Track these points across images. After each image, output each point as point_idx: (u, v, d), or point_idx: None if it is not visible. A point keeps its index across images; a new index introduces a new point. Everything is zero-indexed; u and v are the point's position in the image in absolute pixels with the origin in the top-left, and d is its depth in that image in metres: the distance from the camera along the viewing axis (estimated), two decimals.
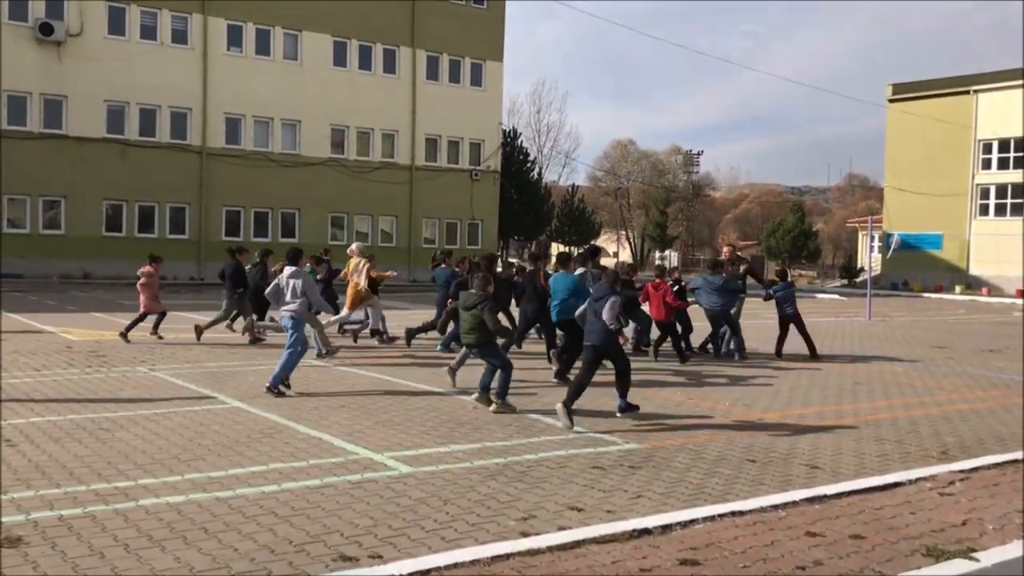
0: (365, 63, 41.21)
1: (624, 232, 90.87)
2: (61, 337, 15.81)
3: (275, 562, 5.06)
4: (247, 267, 16.51)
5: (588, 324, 9.76)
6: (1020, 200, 48.79)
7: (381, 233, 42.24)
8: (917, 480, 7.29)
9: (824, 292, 47.34)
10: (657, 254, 76.25)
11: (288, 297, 11.05)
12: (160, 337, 15.62)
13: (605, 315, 9.38)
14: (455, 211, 43.93)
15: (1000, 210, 49.83)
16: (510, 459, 7.63)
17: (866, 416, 10.28)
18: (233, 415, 9.21)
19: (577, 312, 10.47)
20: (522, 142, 59.25)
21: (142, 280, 15.84)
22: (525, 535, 5.60)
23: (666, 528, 5.80)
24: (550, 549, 5.31)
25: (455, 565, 5.00)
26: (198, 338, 15.38)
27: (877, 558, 5.38)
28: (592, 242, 68.62)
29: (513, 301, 15.33)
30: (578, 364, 10.90)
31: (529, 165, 57.76)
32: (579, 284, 12.38)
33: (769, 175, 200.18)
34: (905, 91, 54.21)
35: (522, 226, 54.89)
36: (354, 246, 16.11)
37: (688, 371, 13.67)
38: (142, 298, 15.79)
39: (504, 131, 50.88)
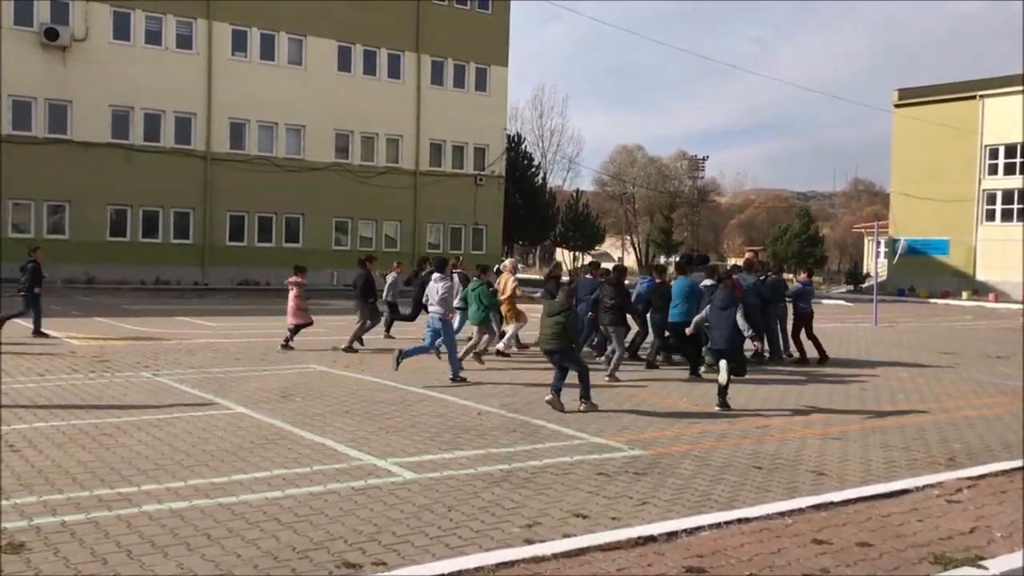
0: (370, 68, 41.22)
1: (629, 237, 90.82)
2: (65, 342, 15.80)
3: (278, 568, 5.03)
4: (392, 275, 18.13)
5: (713, 331, 11.21)
6: None
7: (385, 238, 42.23)
8: (924, 487, 7.24)
9: (830, 297, 47.25)
10: (662, 260, 76.18)
11: (434, 300, 12.94)
12: (291, 347, 15.61)
13: (741, 324, 10.84)
14: (459, 216, 43.90)
15: (1007, 215, 49.74)
16: (514, 465, 7.60)
17: (872, 422, 10.24)
18: (236, 420, 9.19)
19: (696, 319, 12.03)
20: (526, 147, 59.31)
21: (296, 292, 15.85)
22: (530, 542, 5.57)
23: (672, 535, 5.76)
24: (555, 556, 5.28)
25: (459, 572, 4.97)
26: (347, 349, 15.58)
27: (884, 566, 5.33)
28: (597, 247, 68.70)
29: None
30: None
31: (533, 170, 57.78)
32: (696, 288, 13.72)
33: (775, 180, 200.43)
34: (911, 96, 54.19)
35: (526, 231, 54.92)
36: (507, 262, 16.34)
37: (694, 377, 13.61)
38: (291, 308, 15.81)
39: (508, 136, 50.89)
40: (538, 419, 9.73)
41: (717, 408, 10.74)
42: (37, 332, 16.29)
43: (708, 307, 11.73)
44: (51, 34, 33.50)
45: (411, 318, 17.75)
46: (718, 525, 6.01)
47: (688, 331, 12.50)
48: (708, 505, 6.57)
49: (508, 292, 15.49)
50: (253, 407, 9.94)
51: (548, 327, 10.61)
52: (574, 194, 66.83)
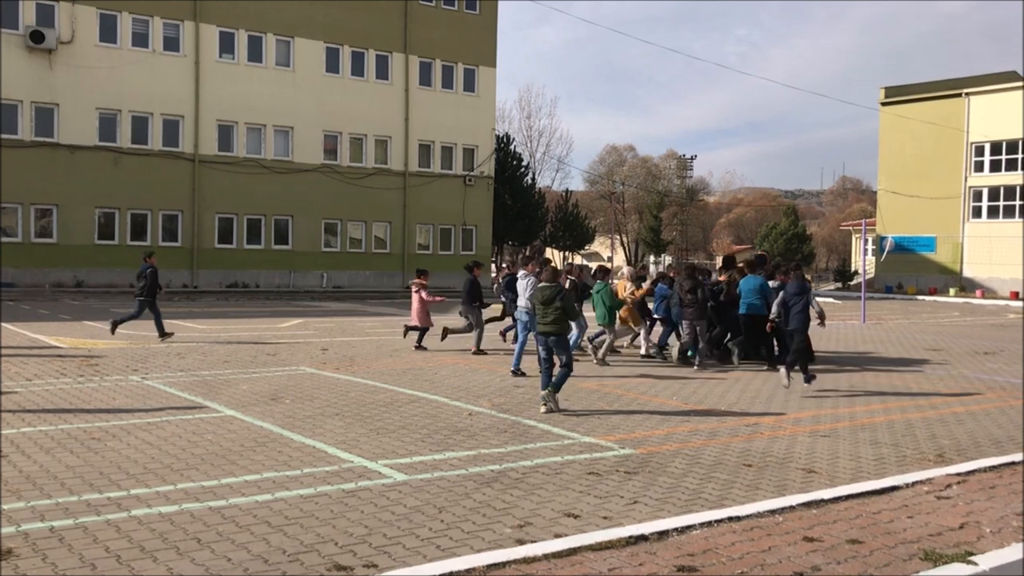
0: (358, 69, 41.19)
1: (618, 237, 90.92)
2: (53, 346, 15.73)
3: (268, 572, 5.00)
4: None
5: (788, 315, 12.33)
6: (1013, 202, 48.94)
7: (375, 239, 42.19)
8: (914, 484, 7.26)
9: (818, 295, 47.36)
10: (651, 259, 76.25)
11: (523, 295, 13.74)
12: (424, 348, 16.31)
13: (813, 308, 12.25)
14: (449, 217, 43.90)
15: (993, 212, 50.00)
16: (505, 466, 7.59)
17: (862, 419, 10.27)
18: (226, 424, 9.15)
19: (775, 305, 12.90)
20: (515, 147, 59.27)
21: (424, 295, 16.45)
22: (521, 543, 5.56)
23: (663, 534, 5.76)
24: (546, 557, 5.27)
25: (450, 574, 4.96)
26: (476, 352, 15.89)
27: (875, 563, 5.34)
28: (587, 246, 68.77)
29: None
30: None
31: (523, 170, 57.74)
32: (765, 285, 14.67)
33: (763, 179, 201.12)
34: (897, 94, 54.42)
35: (516, 231, 54.89)
36: (626, 271, 17.19)
37: (683, 376, 13.65)
38: (416, 310, 16.45)
39: (497, 136, 50.88)
40: (529, 419, 9.72)
41: (805, 385, 12.04)
42: (163, 334, 16.74)
43: (780, 296, 12.81)
44: (37, 37, 33.33)
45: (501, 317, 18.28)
46: (709, 524, 6.01)
47: (770, 325, 13.25)
48: (699, 504, 6.58)
49: (626, 296, 16.07)
50: (243, 410, 9.91)
51: (548, 314, 10.49)
52: (563, 194, 66.85)
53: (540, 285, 10.89)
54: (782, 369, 12.08)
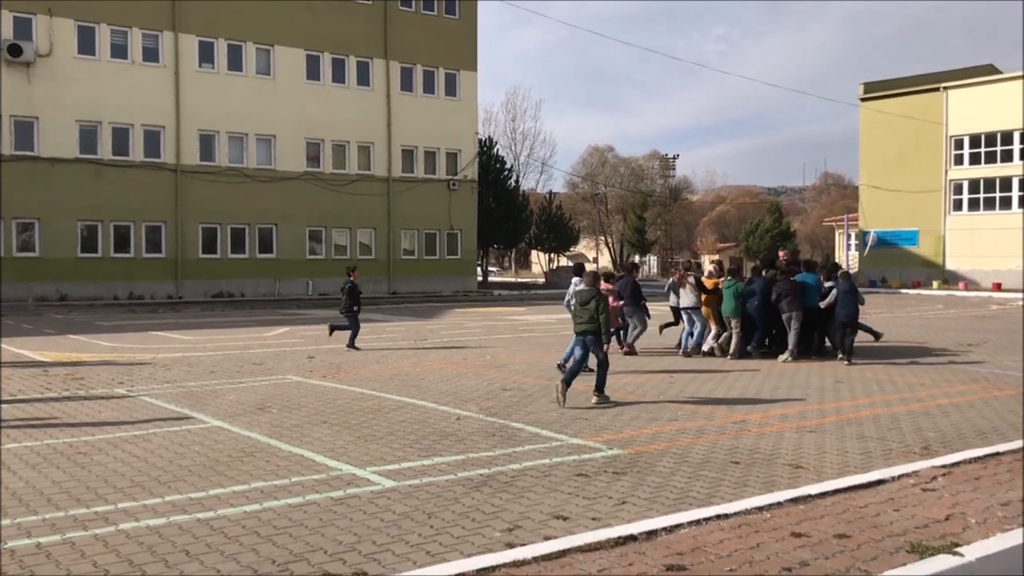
0: (339, 76, 41.09)
1: (603, 237, 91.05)
2: (38, 360, 15.63)
3: None
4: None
5: (840, 308, 15.07)
6: (993, 195, 49.26)
7: (360, 246, 42.09)
8: (900, 477, 7.32)
9: None
10: (636, 259, 76.39)
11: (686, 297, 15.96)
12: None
13: (860, 299, 15.28)
14: (434, 221, 43.84)
15: (973, 205, 50.33)
16: (494, 470, 7.60)
17: (848, 414, 10.33)
18: (213, 435, 9.12)
19: (826, 301, 15.36)
20: (498, 151, 59.29)
21: (611, 299, 16.80)
22: (511, 546, 5.57)
23: (651, 534, 5.78)
24: (536, 559, 5.28)
25: None
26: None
27: (862, 556, 5.39)
28: (572, 248, 68.86)
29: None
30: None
31: (506, 173, 57.76)
32: (819, 282, 16.08)
33: (745, 177, 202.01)
34: (877, 90, 54.73)
35: (501, 234, 54.90)
36: (711, 267, 17.66)
37: (671, 373, 13.69)
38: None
39: (480, 140, 50.87)
40: (517, 422, 9.73)
41: (845, 361, 14.93)
42: (351, 346, 17.40)
43: (833, 291, 15.25)
44: (15, 50, 33.08)
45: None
46: (697, 522, 6.04)
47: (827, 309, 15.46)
48: (687, 502, 6.61)
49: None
50: (230, 420, 9.88)
51: (584, 313, 10.90)
52: (547, 196, 66.90)
53: (579, 288, 11.59)
54: (848, 358, 14.94)
